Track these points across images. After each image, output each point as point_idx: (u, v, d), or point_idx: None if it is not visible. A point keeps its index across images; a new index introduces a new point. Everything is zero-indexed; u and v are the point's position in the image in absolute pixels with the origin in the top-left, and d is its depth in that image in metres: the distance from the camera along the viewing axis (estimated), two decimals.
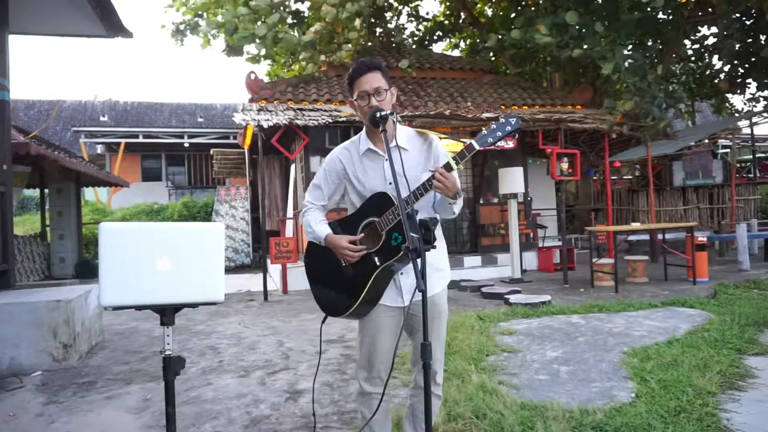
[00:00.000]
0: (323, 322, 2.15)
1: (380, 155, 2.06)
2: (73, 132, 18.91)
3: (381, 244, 1.95)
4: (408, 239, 1.69)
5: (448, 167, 1.85)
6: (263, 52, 10.80)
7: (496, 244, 9.62)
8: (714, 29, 12.30)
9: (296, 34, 10.51)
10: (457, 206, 1.99)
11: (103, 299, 1.59)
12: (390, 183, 2.01)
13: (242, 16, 10.05)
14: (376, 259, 1.96)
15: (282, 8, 10.31)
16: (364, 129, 2.13)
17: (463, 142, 1.91)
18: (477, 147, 1.86)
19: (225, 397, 3.41)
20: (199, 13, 11.90)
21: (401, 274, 2.03)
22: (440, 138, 2.17)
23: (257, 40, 10.23)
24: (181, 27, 12.05)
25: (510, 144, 9.04)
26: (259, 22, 10.15)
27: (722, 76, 13.55)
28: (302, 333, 5.20)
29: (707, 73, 14.34)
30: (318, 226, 2.08)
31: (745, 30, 11.38)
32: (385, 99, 2.00)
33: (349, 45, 10.19)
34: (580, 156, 8.49)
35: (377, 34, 13.45)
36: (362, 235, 2.00)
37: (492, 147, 1.92)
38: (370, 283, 1.95)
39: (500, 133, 1.85)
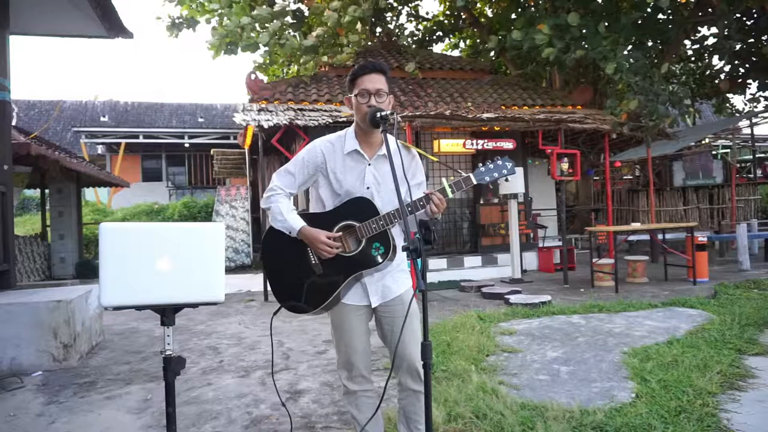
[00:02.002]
0: (275, 314, 2.15)
1: (365, 159, 2.07)
2: (73, 132, 18.95)
3: (360, 251, 1.97)
4: (408, 240, 1.70)
5: (443, 193, 1.94)
6: (268, 59, 10.94)
7: (497, 244, 9.61)
8: (714, 29, 12.30)
9: (297, 37, 10.58)
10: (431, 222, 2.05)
11: (104, 299, 1.59)
12: (368, 188, 2.05)
13: (245, 25, 10.15)
14: (353, 264, 1.97)
15: (282, 16, 10.41)
16: (351, 128, 2.11)
17: (460, 174, 2.02)
18: (474, 182, 2.00)
19: (225, 397, 3.42)
20: (197, 11, 11.96)
21: (367, 276, 2.06)
22: (433, 160, 2.24)
23: (261, 47, 10.35)
24: (177, 21, 12.08)
25: (509, 145, 9.05)
26: (260, 29, 10.26)
27: (722, 76, 13.55)
28: (302, 333, 5.20)
29: (707, 73, 14.34)
30: (290, 216, 2.01)
31: (745, 30, 11.37)
32: (384, 102, 2.01)
33: (350, 47, 10.23)
34: (580, 156, 8.49)
35: (377, 34, 13.47)
36: (340, 234, 1.99)
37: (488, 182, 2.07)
38: (341, 286, 1.98)
39: (497, 174, 2.03)
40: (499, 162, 2.02)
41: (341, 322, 2.09)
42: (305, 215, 2.07)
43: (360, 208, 1.98)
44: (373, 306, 2.09)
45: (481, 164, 2.04)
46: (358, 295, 2.07)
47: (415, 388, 2.05)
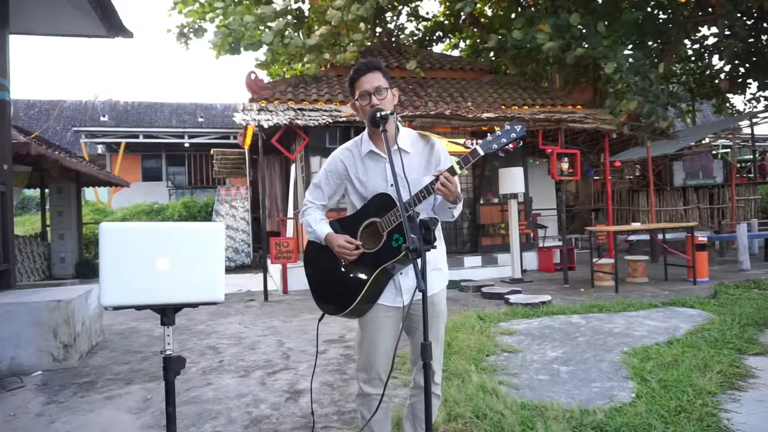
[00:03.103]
0: (320, 320, 2.17)
1: (382, 157, 2.07)
2: (73, 132, 18.93)
3: (381, 245, 1.96)
4: (408, 239, 1.69)
5: (452, 171, 1.87)
6: (270, 58, 10.96)
7: (497, 244, 9.61)
8: (714, 29, 12.31)
9: (301, 37, 10.60)
10: (457, 210, 2.01)
11: (104, 299, 1.59)
12: (391, 184, 2.02)
13: (248, 24, 10.17)
14: (377, 259, 1.96)
15: (286, 15, 10.42)
16: (366, 130, 2.13)
17: (467, 148, 1.93)
18: (481, 153, 1.87)
19: (225, 397, 3.42)
20: (201, 19, 12.00)
21: (401, 274, 2.04)
22: (443, 141, 2.18)
23: (264, 46, 10.37)
24: (185, 30, 12.12)
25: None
26: (264, 28, 10.27)
27: (722, 76, 13.56)
28: (302, 333, 5.20)
29: (707, 73, 14.34)
30: (318, 226, 2.09)
31: (746, 29, 11.38)
32: (385, 98, 2.01)
33: (353, 46, 10.24)
34: (580, 156, 8.49)
35: (377, 34, 13.48)
36: (360, 243, 2.01)
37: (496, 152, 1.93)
38: (369, 283, 1.96)
39: (505, 140, 1.86)
40: (507, 127, 1.89)
41: (368, 322, 2.07)
42: (336, 221, 2.12)
43: (382, 204, 1.98)
44: (404, 304, 2.06)
45: (489, 134, 1.94)
46: (391, 295, 2.05)
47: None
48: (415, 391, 2.14)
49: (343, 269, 2.03)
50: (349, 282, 2.01)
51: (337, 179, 2.15)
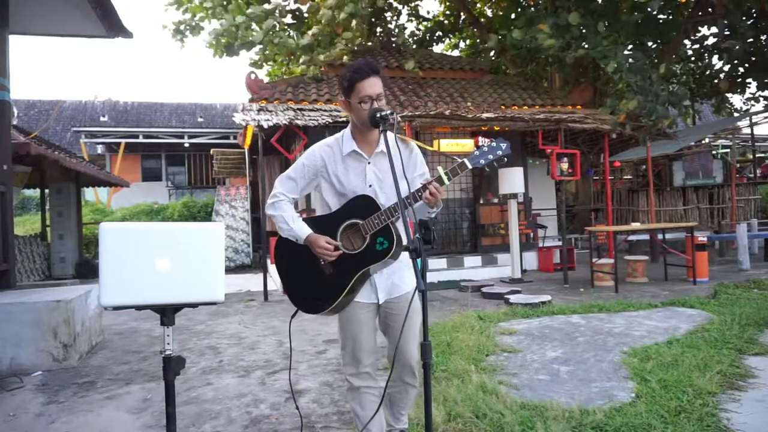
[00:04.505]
0: (293, 317, 2.21)
1: (364, 158, 2.10)
2: (73, 132, 18.94)
3: (365, 248, 1.99)
4: (408, 239, 1.71)
5: (440, 181, 1.94)
6: (263, 57, 11.00)
7: (496, 244, 9.61)
8: (714, 29, 12.31)
9: (294, 37, 10.62)
10: (433, 214, 2.08)
11: (103, 299, 1.60)
12: (370, 185, 2.08)
13: (240, 23, 10.21)
14: (359, 261, 1.99)
15: (276, 14, 10.45)
16: (348, 128, 2.15)
17: (456, 160, 2.02)
18: (469, 166, 1.99)
19: (225, 397, 3.42)
20: (198, 15, 12.02)
21: (375, 273, 2.09)
22: (428, 149, 2.23)
23: (256, 46, 10.41)
24: (181, 27, 12.12)
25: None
26: (254, 26, 10.31)
27: (722, 76, 13.56)
28: (302, 333, 5.20)
29: (707, 73, 14.34)
30: (296, 224, 2.06)
31: (750, 29, 11.36)
32: (382, 104, 2.04)
33: (343, 43, 10.24)
34: (580, 156, 8.48)
35: (377, 34, 13.48)
36: (338, 243, 2.03)
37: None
38: (351, 284, 2.00)
39: (491, 157, 2.00)
40: (494, 144, 2.01)
41: (349, 319, 2.12)
42: (311, 219, 2.12)
43: (363, 205, 2.01)
44: (380, 302, 2.13)
45: (475, 148, 2.05)
46: (366, 292, 2.11)
47: (407, 381, 2.15)
48: (394, 383, 2.17)
49: (322, 269, 2.04)
50: (329, 282, 2.03)
51: (313, 174, 2.15)
